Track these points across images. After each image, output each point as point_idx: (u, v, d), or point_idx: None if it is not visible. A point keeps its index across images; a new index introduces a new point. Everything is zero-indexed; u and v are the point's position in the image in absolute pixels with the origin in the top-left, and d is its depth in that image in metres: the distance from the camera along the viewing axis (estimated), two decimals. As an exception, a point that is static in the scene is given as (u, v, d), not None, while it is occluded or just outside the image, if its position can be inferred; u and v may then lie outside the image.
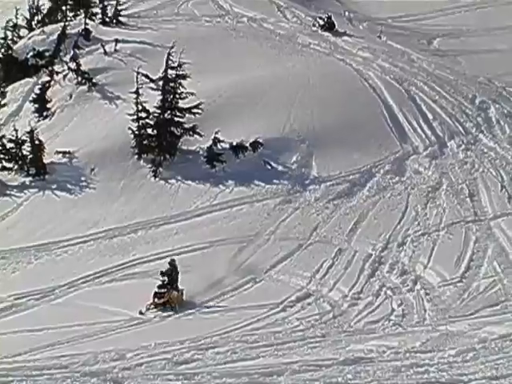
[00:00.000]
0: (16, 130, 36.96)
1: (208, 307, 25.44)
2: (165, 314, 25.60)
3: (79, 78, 40.69)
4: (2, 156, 36.12)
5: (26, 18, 47.69)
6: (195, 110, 35.56)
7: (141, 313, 26.28)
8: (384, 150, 34.95)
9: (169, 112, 35.59)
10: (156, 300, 27.05)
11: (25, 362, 17.17)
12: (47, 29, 45.82)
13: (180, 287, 27.69)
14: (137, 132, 35.48)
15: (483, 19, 51.52)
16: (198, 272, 27.62)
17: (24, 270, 29.94)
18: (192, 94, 35.81)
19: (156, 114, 35.56)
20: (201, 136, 35.12)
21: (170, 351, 17.30)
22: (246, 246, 29.09)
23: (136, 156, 35.26)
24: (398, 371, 12.49)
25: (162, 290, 27.29)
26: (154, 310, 26.28)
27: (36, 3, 48.87)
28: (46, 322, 24.82)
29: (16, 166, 35.86)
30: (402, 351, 14.51)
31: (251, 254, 28.59)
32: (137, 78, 36.67)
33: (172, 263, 28.19)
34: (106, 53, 42.62)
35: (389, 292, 24.96)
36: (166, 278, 28.02)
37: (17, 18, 47.70)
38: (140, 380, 12.68)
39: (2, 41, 45.44)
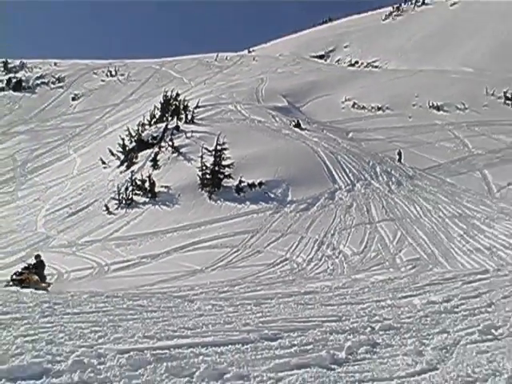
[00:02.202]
0: (142, 175, 37.02)
1: (235, 266, 25.31)
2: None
3: (173, 150, 40.68)
4: (135, 188, 36.11)
5: (148, 120, 47.78)
6: (231, 166, 35.58)
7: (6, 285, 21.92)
8: (324, 187, 34.88)
9: (217, 167, 35.58)
10: (14, 277, 22.76)
11: (145, 290, 17.13)
12: (158, 126, 45.93)
13: (48, 281, 23.34)
14: (201, 176, 35.46)
15: (373, 123, 51.53)
16: (230, 246, 27.64)
17: (145, 244, 29.83)
18: (229, 157, 35.86)
19: (211, 168, 35.55)
20: (233, 179, 35.13)
21: (216, 286, 17.21)
22: (254, 235, 28.96)
23: (200, 188, 35.24)
24: (331, 298, 12.40)
25: (24, 272, 22.95)
26: (12, 285, 21.70)
27: (153, 113, 49.01)
28: (156, 270, 24.77)
29: (142, 193, 35.84)
30: (333, 288, 14.41)
31: (257, 239, 28.45)
32: (202, 149, 36.66)
33: (38, 258, 24.12)
34: (186, 137, 42.59)
35: (326, 258, 24.83)
36: (31, 263, 23.57)
37: (143, 120, 47.69)
38: (202, 300, 12.64)
39: (136, 131, 45.38)
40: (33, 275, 22.61)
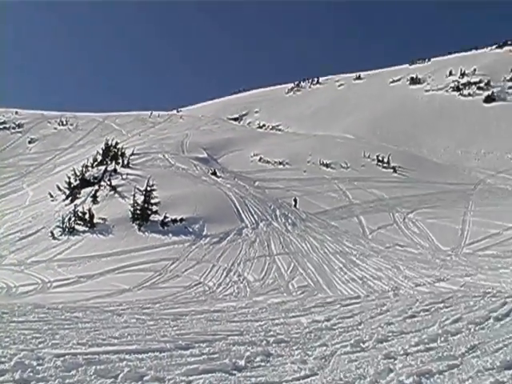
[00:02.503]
0: (83, 208, 36.30)
1: (157, 287, 24.93)
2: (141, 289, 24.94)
3: (110, 188, 40.09)
4: (77, 219, 35.34)
5: (91, 163, 46.97)
6: (157, 204, 35.23)
7: None
8: (234, 225, 34.83)
9: (146, 204, 35.15)
10: None
11: (81, 305, 16.70)
12: (99, 168, 45.27)
13: None
14: (133, 212, 34.95)
15: (275, 175, 52.08)
16: (154, 270, 27.25)
17: (83, 266, 29.00)
18: (156, 197, 35.45)
19: (141, 205, 35.10)
20: (159, 215, 34.69)
21: (141, 303, 16.92)
22: (175, 262, 28.57)
23: (131, 221, 34.70)
24: (235, 316, 12.38)
25: None
26: None
27: (95, 157, 48.38)
28: (91, 288, 24.21)
29: (82, 223, 35.06)
30: (237, 308, 14.39)
31: (177, 265, 28.04)
32: (134, 189, 36.25)
33: None
34: (122, 179, 42.08)
35: (233, 283, 24.64)
36: None
37: (87, 162, 46.92)
38: (128, 314, 12.41)
39: (80, 172, 44.74)
40: None
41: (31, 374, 6.22)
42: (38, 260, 31.10)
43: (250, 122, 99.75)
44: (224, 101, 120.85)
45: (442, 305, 12.25)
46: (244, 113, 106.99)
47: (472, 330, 9.04)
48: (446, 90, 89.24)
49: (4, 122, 75.83)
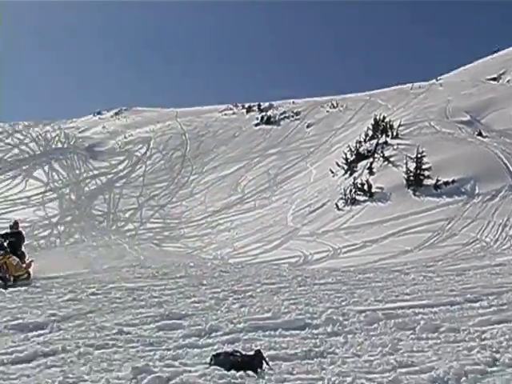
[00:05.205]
0: (361, 180, 36.57)
1: (436, 246, 24.41)
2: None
3: (384, 159, 39.77)
4: (357, 190, 35.82)
5: (363, 138, 46.83)
6: (429, 169, 34.15)
7: None
8: (504, 182, 32.00)
9: (418, 170, 34.16)
10: None
11: (370, 266, 17.12)
12: (371, 142, 45.15)
13: (30, 259, 14.30)
14: (406, 178, 34.33)
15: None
16: (432, 231, 26.63)
17: (366, 232, 29.08)
18: (427, 162, 34.19)
19: (413, 171, 34.34)
20: (431, 179, 33.37)
21: (423, 262, 16.77)
22: (450, 222, 27.47)
23: (406, 187, 33.90)
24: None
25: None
26: None
27: (366, 133, 48.15)
28: (376, 251, 24.55)
29: (362, 193, 35.20)
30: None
31: (452, 225, 26.95)
32: (405, 158, 35.46)
33: (15, 227, 14.45)
34: (393, 149, 41.51)
35: (509, 237, 23.29)
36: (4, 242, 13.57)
37: (360, 138, 46.97)
38: (414, 273, 12.44)
39: (354, 147, 44.98)
40: (10, 257, 13.14)
41: (340, 328, 6.74)
42: (327, 230, 32.25)
43: (509, 80, 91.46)
44: (480, 63, 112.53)
45: None
46: (502, 72, 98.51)
47: None
48: None
49: (284, 113, 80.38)
